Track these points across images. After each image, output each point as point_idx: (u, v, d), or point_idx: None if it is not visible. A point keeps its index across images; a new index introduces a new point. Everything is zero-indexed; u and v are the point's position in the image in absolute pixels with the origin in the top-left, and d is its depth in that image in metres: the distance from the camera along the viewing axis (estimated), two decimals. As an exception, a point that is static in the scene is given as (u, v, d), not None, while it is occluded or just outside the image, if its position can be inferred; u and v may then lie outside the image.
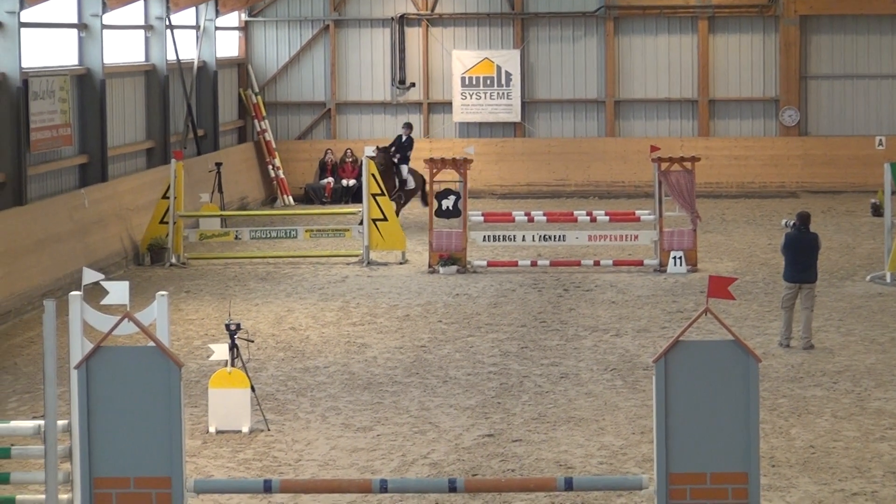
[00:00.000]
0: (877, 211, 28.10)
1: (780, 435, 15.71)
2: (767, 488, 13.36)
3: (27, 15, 24.00)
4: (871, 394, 17.84)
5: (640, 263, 25.52)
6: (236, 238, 28.17)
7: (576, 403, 17.41)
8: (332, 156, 36.52)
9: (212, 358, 16.78)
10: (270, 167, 36.64)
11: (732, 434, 10.44)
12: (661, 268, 25.17)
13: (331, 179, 36.15)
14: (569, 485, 11.25)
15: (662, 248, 25.29)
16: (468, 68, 37.15)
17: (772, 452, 14.81)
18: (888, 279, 24.05)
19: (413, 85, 37.46)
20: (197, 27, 33.91)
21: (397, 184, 30.05)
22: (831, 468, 14.54)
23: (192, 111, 33.27)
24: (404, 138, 31.23)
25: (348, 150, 36.00)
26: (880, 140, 35.96)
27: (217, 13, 32.63)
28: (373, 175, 27.99)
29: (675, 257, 25.22)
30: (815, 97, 38.07)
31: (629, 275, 25.53)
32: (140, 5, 30.81)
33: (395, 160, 30.26)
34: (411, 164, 31.78)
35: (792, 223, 20.76)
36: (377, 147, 28.97)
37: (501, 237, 26.83)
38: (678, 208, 25.55)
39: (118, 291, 11.48)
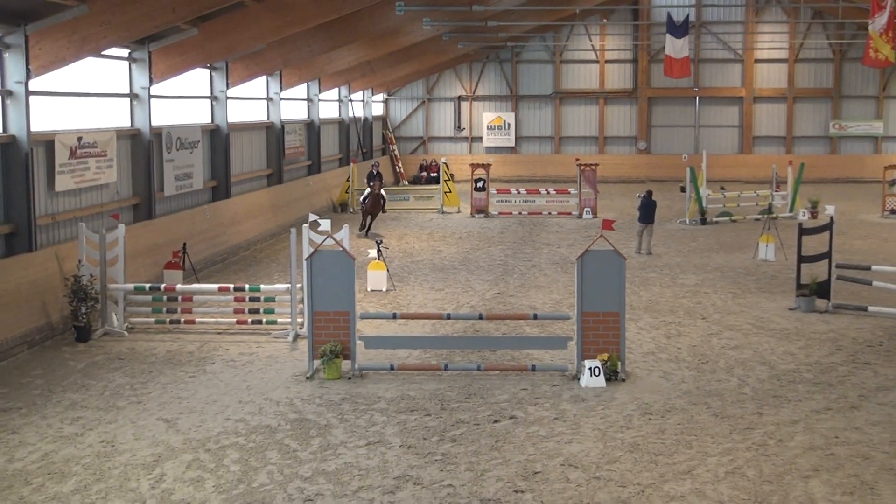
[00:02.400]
0: (682, 189, 37.89)
1: (633, 295, 21.72)
2: (628, 320, 18.63)
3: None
4: (678, 276, 24.54)
5: (570, 213, 36.05)
6: (381, 200, 38.10)
7: (539, 279, 23.90)
8: (425, 161, 51.89)
9: (369, 256, 23.30)
10: (397, 166, 52.03)
11: (611, 293, 15.33)
12: (580, 216, 35.54)
13: (425, 173, 50.97)
14: (535, 316, 17.16)
15: (581, 206, 35.88)
16: (491, 120, 54.28)
17: (630, 303, 20.41)
18: (687, 222, 34.43)
19: (464, 128, 54.62)
20: (363, 101, 49.53)
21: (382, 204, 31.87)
22: (659, 310, 20.52)
23: (360, 139, 48.23)
24: (375, 172, 33.67)
25: (433, 160, 50.43)
26: (684, 155, 49.77)
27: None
28: (445, 171, 38.26)
29: (586, 210, 36.10)
30: (656, 135, 53.42)
31: (564, 219, 35.84)
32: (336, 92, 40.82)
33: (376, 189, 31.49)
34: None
35: (642, 195, 28.22)
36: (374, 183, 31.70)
37: (505, 201, 37.59)
38: (588, 187, 36.05)
39: (326, 224, 16.63)
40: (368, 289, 22.51)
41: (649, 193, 28.78)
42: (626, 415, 14.25)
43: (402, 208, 39.28)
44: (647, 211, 28.15)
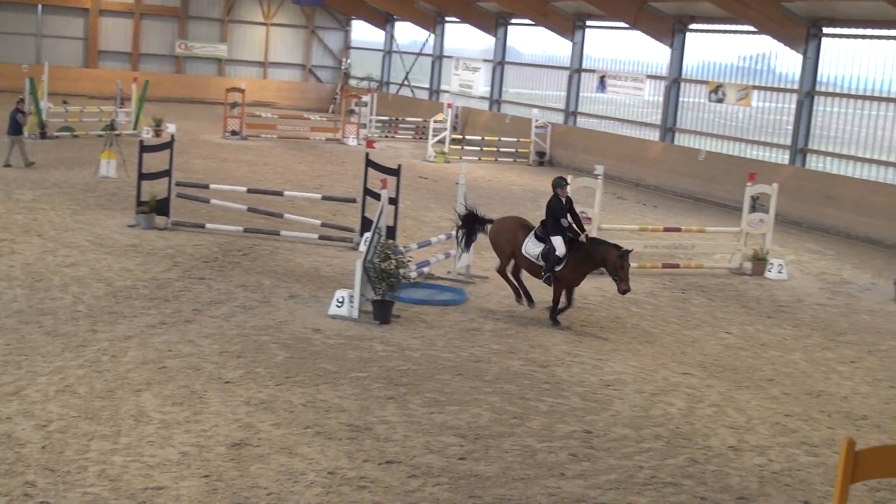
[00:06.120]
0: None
1: None
2: None
3: None
4: (14, 192, 25.69)
5: None
6: None
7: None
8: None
9: None
10: None
11: None
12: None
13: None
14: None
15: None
16: None
17: None
18: (26, 136, 32.29)
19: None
20: None
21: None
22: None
23: None
24: (563, 199, 16.72)
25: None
26: (25, 66, 46.62)
27: None
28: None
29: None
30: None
31: None
32: None
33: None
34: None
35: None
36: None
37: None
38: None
39: None
40: None
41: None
42: (-51, 337, 13.73)
43: None
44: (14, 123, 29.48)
